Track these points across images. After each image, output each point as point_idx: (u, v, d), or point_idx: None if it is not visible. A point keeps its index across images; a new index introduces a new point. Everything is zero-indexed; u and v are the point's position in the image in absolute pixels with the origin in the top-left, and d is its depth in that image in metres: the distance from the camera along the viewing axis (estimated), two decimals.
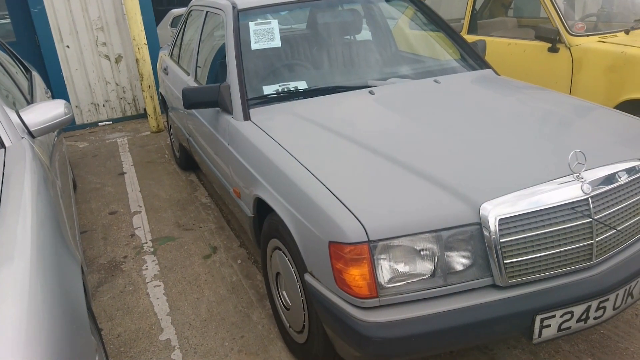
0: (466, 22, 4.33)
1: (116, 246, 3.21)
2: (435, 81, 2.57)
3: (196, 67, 3.26)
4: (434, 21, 3.07)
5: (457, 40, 2.98)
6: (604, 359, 2.02)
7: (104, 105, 6.13)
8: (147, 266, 2.95)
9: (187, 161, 4.22)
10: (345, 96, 2.43)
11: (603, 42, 3.38)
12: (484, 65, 2.88)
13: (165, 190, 4.04)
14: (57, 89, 5.74)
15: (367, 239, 1.51)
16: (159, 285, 2.75)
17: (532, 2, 4.40)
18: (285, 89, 2.51)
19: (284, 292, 2.09)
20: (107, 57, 5.97)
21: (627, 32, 3.50)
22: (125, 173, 4.50)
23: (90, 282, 2.84)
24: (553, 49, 3.57)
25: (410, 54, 3.10)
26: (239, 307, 2.51)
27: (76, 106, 5.99)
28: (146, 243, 3.22)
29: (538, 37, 3.58)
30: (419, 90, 2.47)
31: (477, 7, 4.57)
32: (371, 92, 2.43)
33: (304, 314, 1.91)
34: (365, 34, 3.08)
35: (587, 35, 3.47)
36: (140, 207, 3.77)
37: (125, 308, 2.58)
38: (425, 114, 2.19)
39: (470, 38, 4.19)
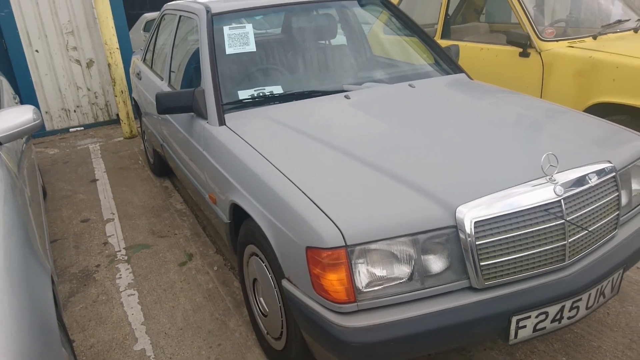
0: (439, 27, 4.38)
1: (88, 255, 3.14)
2: (410, 85, 2.59)
3: (170, 71, 3.22)
4: (408, 26, 3.10)
5: (431, 45, 3.01)
6: (578, 357, 2.05)
7: (75, 111, 6.01)
8: (120, 275, 2.89)
9: (162, 167, 4.16)
10: (321, 101, 2.42)
11: (572, 47, 3.46)
12: (458, 69, 2.92)
13: (139, 196, 3.97)
14: (26, 95, 5.60)
15: (344, 244, 1.50)
16: (133, 294, 2.69)
17: (504, 7, 4.48)
18: (261, 94, 2.50)
19: (262, 299, 2.07)
20: (78, 61, 5.85)
21: (594, 37, 3.59)
22: (98, 180, 4.41)
23: (61, 292, 2.76)
24: (524, 54, 3.63)
25: (385, 58, 3.12)
26: (215, 314, 2.47)
27: (46, 112, 5.85)
28: (119, 251, 3.15)
29: (509, 42, 3.65)
30: (394, 94, 2.48)
31: (450, 12, 4.63)
32: (346, 97, 2.44)
33: (282, 321, 1.89)
34: (340, 39, 3.09)
35: (557, 41, 3.54)
36: (114, 214, 3.69)
37: (98, 318, 2.52)
38: (401, 118, 2.20)
39: (443, 43, 4.24)
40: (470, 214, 1.57)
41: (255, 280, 2.10)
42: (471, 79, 2.87)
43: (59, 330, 1.41)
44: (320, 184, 1.72)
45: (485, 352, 2.11)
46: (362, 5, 3.22)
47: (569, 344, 2.13)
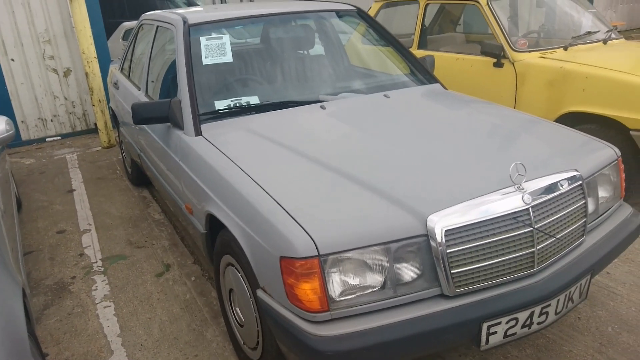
0: (416, 37, 4.45)
1: (64, 266, 3.10)
2: (385, 95, 2.63)
3: (147, 81, 3.21)
4: (384, 37, 3.15)
5: (407, 56, 3.06)
6: None
7: (52, 120, 5.93)
8: (96, 286, 2.86)
9: (139, 177, 4.13)
10: (297, 111, 2.45)
11: (544, 57, 3.54)
12: (433, 79, 2.97)
13: (116, 207, 3.93)
14: (2, 104, 5.52)
15: (317, 253, 1.52)
16: (109, 306, 2.66)
17: (479, 19, 4.57)
18: (237, 104, 2.51)
19: (238, 309, 2.07)
20: (55, 70, 5.79)
21: (565, 48, 3.69)
22: (75, 190, 4.36)
23: (35, 305, 2.72)
24: (498, 64, 3.71)
25: (361, 69, 3.16)
26: (192, 325, 2.46)
27: (22, 121, 5.77)
28: (96, 262, 3.12)
29: (483, 53, 3.72)
30: (369, 104, 2.52)
31: (427, 23, 4.71)
32: (322, 107, 2.46)
33: (258, 331, 1.90)
34: (317, 49, 3.12)
35: (529, 51, 3.63)
36: (90, 225, 3.65)
37: (73, 331, 2.49)
38: (375, 128, 2.23)
39: (420, 53, 4.31)
40: (440, 222, 1.60)
41: (231, 290, 2.10)
42: (446, 88, 2.93)
43: (30, 344, 1.40)
44: (294, 194, 1.74)
45: (460, 358, 2.14)
46: (339, 17, 3.26)
47: (541, 348, 2.17)
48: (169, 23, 2.95)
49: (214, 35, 2.72)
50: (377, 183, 1.76)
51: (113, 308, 2.65)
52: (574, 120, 3.32)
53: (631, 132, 3.02)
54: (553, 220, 1.76)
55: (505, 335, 1.70)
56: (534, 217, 1.71)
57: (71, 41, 5.75)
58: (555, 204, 1.78)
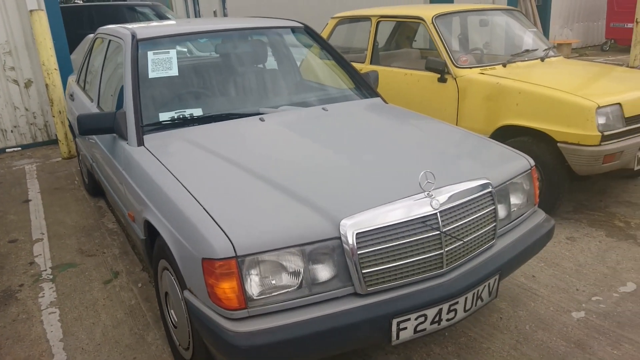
0: (369, 53, 4.63)
1: (13, 275, 3.14)
2: (323, 109, 2.77)
3: (99, 93, 3.30)
4: (330, 53, 3.30)
5: (350, 71, 3.22)
6: (469, 358, 2.24)
7: (12, 131, 5.93)
8: (43, 294, 2.91)
9: (96, 187, 4.18)
10: (237, 123, 2.57)
11: (483, 73, 3.75)
12: (374, 94, 3.13)
13: (71, 217, 3.98)
14: None
15: (235, 255, 1.63)
16: (55, 312, 2.72)
17: (428, 36, 4.78)
18: (181, 116, 2.62)
19: (172, 311, 2.16)
20: (15, 81, 5.80)
21: (504, 65, 3.91)
22: (31, 200, 4.38)
23: None
24: (442, 80, 3.90)
25: (305, 83, 3.30)
26: (134, 329, 2.54)
27: None
28: (45, 270, 3.17)
29: (428, 69, 3.91)
30: (306, 117, 2.66)
31: (380, 39, 4.90)
32: (261, 119, 2.59)
33: (189, 331, 1.99)
34: (261, 64, 3.25)
35: (470, 68, 3.83)
36: (43, 234, 3.69)
37: (16, 336, 2.53)
38: (306, 139, 2.37)
39: (372, 68, 4.48)
40: (352, 226, 1.73)
41: (167, 293, 2.19)
42: (386, 102, 3.09)
43: None
44: (219, 199, 1.85)
45: (386, 356, 2.27)
46: (287, 34, 3.41)
47: (462, 346, 2.32)
48: (119, 37, 3.05)
49: (161, 50, 2.83)
50: (297, 189, 1.88)
51: (58, 314, 2.70)
52: (510, 133, 3.51)
53: (558, 144, 3.22)
54: (460, 225, 1.91)
55: (415, 331, 1.83)
56: (442, 221, 1.85)
57: (33, 53, 5.78)
58: (464, 209, 1.93)
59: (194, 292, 1.80)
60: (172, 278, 2.04)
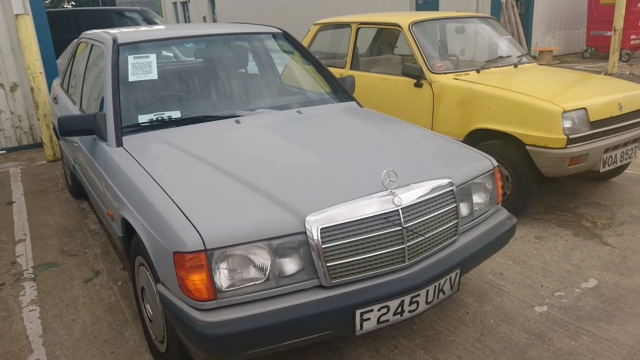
0: (349, 58, 4.74)
1: None
2: (298, 112, 2.87)
3: (82, 96, 3.37)
4: (307, 58, 3.41)
5: (326, 76, 3.33)
6: (434, 351, 2.33)
7: None
8: (24, 292, 2.97)
9: (79, 189, 4.24)
10: (213, 125, 2.66)
11: (457, 79, 3.87)
12: (349, 98, 3.23)
13: (54, 218, 4.03)
14: None
15: (204, 248, 1.72)
16: (35, 310, 2.78)
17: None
18: (160, 118, 2.70)
19: (148, 305, 2.24)
20: (1, 85, 5.84)
21: (478, 71, 4.04)
22: (14, 202, 4.43)
23: None
24: (418, 85, 4.02)
25: (282, 87, 3.40)
26: (113, 325, 2.61)
27: None
28: (27, 270, 3.22)
29: (404, 74, 4.03)
30: (280, 119, 2.75)
31: (360, 45, 5.03)
32: (237, 122, 2.68)
33: (163, 324, 2.07)
34: (241, 69, 3.35)
35: (445, 73, 3.96)
36: (26, 235, 3.74)
37: None
38: (278, 140, 2.47)
39: (351, 73, 4.59)
40: (317, 222, 1.82)
41: (143, 288, 2.27)
42: (361, 106, 3.19)
43: None
44: (191, 196, 1.94)
45: (355, 349, 2.36)
46: (267, 39, 3.51)
47: (429, 339, 2.41)
48: (101, 42, 3.14)
49: (141, 54, 2.91)
50: (266, 187, 1.98)
51: (38, 311, 2.76)
52: (482, 136, 3.64)
53: (527, 147, 3.35)
54: (422, 221, 2.01)
55: (378, 322, 1.92)
56: (404, 217, 1.96)
57: (18, 56, 5.82)
58: (425, 206, 2.03)
59: (166, 285, 1.88)
60: (148, 273, 2.12)
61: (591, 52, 11.29)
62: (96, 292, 2.92)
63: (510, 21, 11.20)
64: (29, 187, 4.82)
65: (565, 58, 11.59)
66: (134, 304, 2.77)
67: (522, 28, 11.19)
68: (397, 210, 1.94)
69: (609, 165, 3.49)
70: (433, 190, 2.07)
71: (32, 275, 3.15)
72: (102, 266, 3.22)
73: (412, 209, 1.99)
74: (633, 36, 10.45)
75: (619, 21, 8.82)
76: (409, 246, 1.97)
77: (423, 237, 2.01)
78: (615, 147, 3.49)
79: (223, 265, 1.76)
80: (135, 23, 10.39)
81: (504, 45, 4.52)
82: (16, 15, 5.22)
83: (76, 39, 8.14)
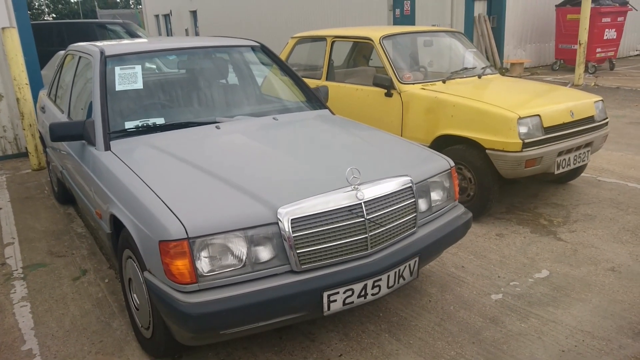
0: (324, 70, 5.01)
1: None
2: (274, 118, 3.10)
3: (70, 105, 3.56)
4: (283, 69, 3.65)
5: (301, 85, 3.57)
6: (399, 334, 2.56)
7: None
8: (15, 290, 3.13)
9: (65, 195, 4.40)
10: (195, 130, 2.88)
11: (424, 89, 4.15)
12: (322, 106, 3.48)
13: (41, 222, 4.19)
14: None
15: (187, 236, 1.93)
16: (26, 305, 2.94)
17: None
18: (145, 124, 2.91)
19: (135, 295, 2.43)
20: None
21: (444, 81, 4.32)
22: (1, 208, 4.57)
23: None
24: (388, 94, 4.29)
25: (260, 96, 3.64)
26: (101, 318, 2.78)
27: None
28: (16, 270, 3.38)
29: (375, 84, 4.30)
30: (257, 125, 2.99)
31: (336, 57, 5.30)
32: (217, 127, 2.91)
33: (149, 310, 2.27)
34: (222, 79, 3.58)
35: (413, 83, 4.23)
36: (14, 239, 3.89)
37: None
38: (254, 142, 2.71)
39: (326, 84, 4.84)
40: (287, 213, 2.05)
41: (130, 279, 2.46)
42: (333, 114, 3.44)
43: None
44: (174, 191, 2.16)
45: (327, 334, 2.57)
46: (245, 52, 3.75)
47: (393, 324, 2.64)
48: (89, 54, 3.34)
49: (127, 65, 3.12)
50: (242, 183, 2.20)
51: (29, 307, 2.93)
52: (447, 142, 3.91)
53: (487, 151, 3.63)
54: (383, 214, 2.25)
55: (344, 303, 2.15)
56: (366, 210, 2.19)
57: (4, 68, 5.97)
58: (386, 201, 2.27)
59: (152, 272, 2.08)
60: (135, 264, 2.32)
61: (560, 65, 11.77)
62: (84, 289, 3.09)
63: (483, 35, 11.64)
64: (14, 194, 4.96)
65: (536, 70, 12.06)
66: (121, 299, 2.95)
67: (494, 41, 11.64)
68: (360, 203, 2.18)
69: (562, 168, 3.79)
70: (393, 186, 2.31)
71: (22, 275, 3.31)
72: (89, 265, 3.39)
73: (373, 203, 2.23)
74: (599, 49, 10.95)
75: (583, 35, 9.27)
76: (371, 236, 2.20)
77: (384, 228, 2.25)
78: (568, 151, 3.79)
79: (204, 252, 1.97)
80: (117, 36, 10.57)
81: (470, 58, 4.82)
82: (2, 28, 5.38)
83: (62, 51, 8.30)
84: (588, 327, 2.55)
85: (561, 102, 3.86)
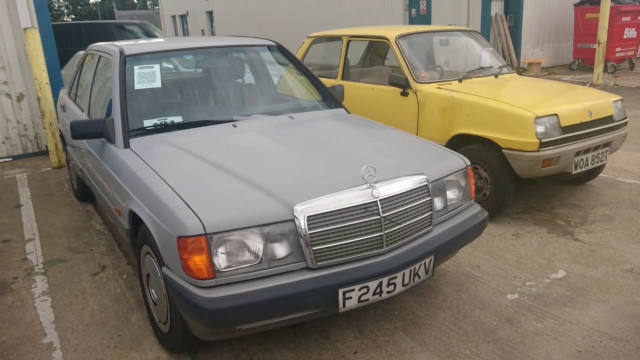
0: (340, 69, 5.02)
1: (7, 269, 3.41)
2: (290, 117, 3.13)
3: (89, 104, 3.62)
4: (299, 69, 3.68)
5: (317, 85, 3.59)
6: (413, 332, 2.57)
7: (3, 142, 6.21)
8: (36, 285, 3.19)
9: (84, 192, 4.47)
10: (212, 128, 2.91)
11: (440, 88, 4.14)
12: (338, 105, 3.49)
13: (61, 219, 4.26)
14: None
15: (204, 232, 1.96)
16: (46, 300, 3.00)
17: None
18: (163, 122, 2.95)
19: (153, 290, 2.47)
20: (8, 95, 6.10)
21: (460, 80, 4.31)
22: (22, 205, 4.66)
23: None
24: (404, 94, 4.29)
25: (276, 95, 3.66)
26: (119, 312, 2.83)
27: None
28: (37, 265, 3.45)
29: (391, 84, 4.30)
30: (274, 123, 3.01)
31: (352, 57, 5.31)
32: (234, 125, 2.94)
33: (167, 305, 2.30)
34: (238, 78, 3.61)
35: (429, 83, 4.23)
36: (35, 235, 3.97)
37: (12, 320, 2.81)
38: (270, 141, 2.73)
39: (342, 83, 4.85)
40: (304, 211, 2.07)
41: (148, 275, 2.50)
42: (349, 113, 3.45)
43: None
44: (192, 188, 2.19)
45: (341, 331, 2.59)
46: (262, 51, 3.78)
47: (408, 322, 2.65)
48: (108, 54, 3.40)
49: (146, 64, 3.17)
50: (259, 181, 2.23)
51: (50, 302, 2.99)
52: (463, 141, 3.89)
53: (503, 151, 3.61)
54: (399, 212, 2.25)
55: (359, 301, 2.16)
56: (382, 208, 2.20)
57: (25, 68, 6.09)
58: (402, 199, 2.28)
59: (170, 267, 2.11)
60: (153, 260, 2.35)
61: (578, 64, 11.63)
62: (103, 285, 3.15)
63: (500, 34, 11.55)
64: (35, 191, 5.05)
65: (554, 70, 11.93)
66: (139, 295, 3.00)
67: (511, 41, 11.54)
68: (376, 201, 2.19)
69: (580, 168, 3.75)
70: (409, 184, 2.32)
71: (43, 270, 3.38)
72: (108, 262, 3.45)
73: (389, 201, 2.23)
74: (618, 49, 10.80)
75: (602, 34, 9.15)
76: (386, 234, 2.21)
77: (399, 226, 2.25)
78: (586, 151, 3.75)
79: (221, 248, 2.00)
80: (135, 36, 10.71)
81: (486, 57, 4.80)
82: (24, 29, 5.49)
83: (81, 51, 8.44)
84: (605, 328, 2.52)
85: (579, 101, 3.82)
